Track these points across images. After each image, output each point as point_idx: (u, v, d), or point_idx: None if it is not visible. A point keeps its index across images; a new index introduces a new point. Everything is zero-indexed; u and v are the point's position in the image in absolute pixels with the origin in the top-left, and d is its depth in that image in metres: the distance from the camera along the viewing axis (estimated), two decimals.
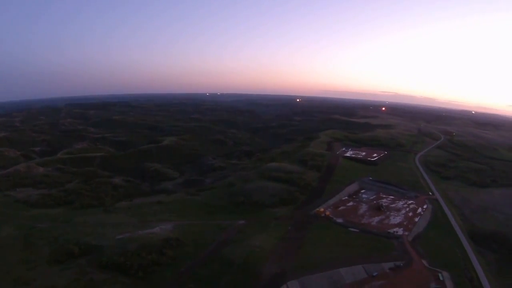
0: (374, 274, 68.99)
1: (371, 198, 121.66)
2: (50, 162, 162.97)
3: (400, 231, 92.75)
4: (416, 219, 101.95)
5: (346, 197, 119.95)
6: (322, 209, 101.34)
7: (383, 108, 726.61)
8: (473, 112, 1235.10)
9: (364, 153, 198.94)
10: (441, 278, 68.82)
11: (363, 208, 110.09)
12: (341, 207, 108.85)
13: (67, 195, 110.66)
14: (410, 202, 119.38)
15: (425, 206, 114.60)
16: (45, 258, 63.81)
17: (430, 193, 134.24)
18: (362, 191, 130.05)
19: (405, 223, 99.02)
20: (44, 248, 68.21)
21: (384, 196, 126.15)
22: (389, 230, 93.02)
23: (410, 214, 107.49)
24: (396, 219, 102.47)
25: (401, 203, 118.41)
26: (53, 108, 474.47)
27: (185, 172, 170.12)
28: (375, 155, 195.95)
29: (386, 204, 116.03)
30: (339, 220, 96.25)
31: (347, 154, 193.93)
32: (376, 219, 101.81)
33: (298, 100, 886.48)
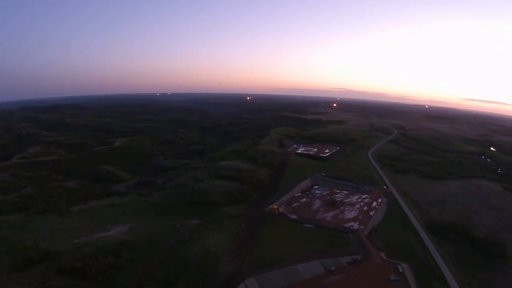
0: (332, 269, 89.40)
1: (325, 193, 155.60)
2: (5, 168, 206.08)
3: (355, 225, 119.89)
4: (372, 213, 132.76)
5: (299, 194, 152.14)
6: (275, 206, 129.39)
7: (334, 104, 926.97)
8: (426, 106, 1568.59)
9: (316, 149, 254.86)
10: (400, 270, 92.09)
11: (317, 203, 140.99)
12: (295, 204, 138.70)
13: (23, 201, 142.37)
14: (364, 196, 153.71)
15: (380, 200, 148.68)
16: (5, 266, 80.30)
17: (385, 187, 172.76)
18: (315, 187, 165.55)
19: (360, 217, 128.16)
20: (3, 256, 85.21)
21: (337, 191, 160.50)
22: (344, 225, 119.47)
23: (365, 208, 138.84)
24: (351, 213, 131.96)
25: (355, 197, 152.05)
26: (8, 112, 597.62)
27: (138, 173, 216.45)
28: (327, 151, 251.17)
29: (340, 199, 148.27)
30: (293, 217, 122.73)
31: (299, 151, 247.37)
32: (331, 214, 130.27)
33: (248, 98, 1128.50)
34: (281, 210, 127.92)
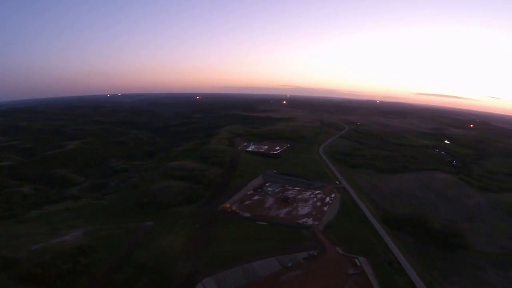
0: (289, 265, 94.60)
1: (277, 190, 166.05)
2: None
3: (309, 221, 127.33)
4: (325, 208, 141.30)
5: (251, 191, 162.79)
6: (228, 205, 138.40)
7: (284, 102, 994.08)
8: (378, 101, 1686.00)
9: (266, 147, 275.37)
10: (358, 264, 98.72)
11: (270, 201, 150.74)
12: (247, 202, 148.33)
13: None
14: (317, 192, 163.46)
15: (333, 195, 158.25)
16: None
17: (337, 182, 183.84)
18: (267, 184, 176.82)
19: (314, 213, 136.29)
20: None
21: (289, 188, 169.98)
22: (298, 221, 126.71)
23: (318, 203, 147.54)
24: (304, 209, 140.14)
25: (308, 193, 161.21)
26: None
27: (90, 176, 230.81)
28: (277, 148, 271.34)
29: (293, 195, 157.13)
30: (246, 215, 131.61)
31: (249, 149, 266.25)
32: (284, 211, 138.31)
33: (198, 97, 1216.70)
34: (233, 208, 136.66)
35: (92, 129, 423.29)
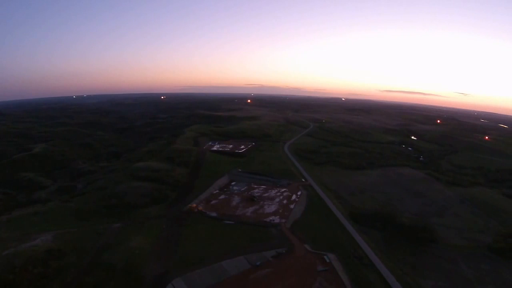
0: (258, 263, 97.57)
1: (243, 189, 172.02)
2: None
3: (276, 219, 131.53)
4: (292, 206, 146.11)
5: (217, 191, 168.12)
6: (194, 205, 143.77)
7: (249, 100, 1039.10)
8: (343, 99, 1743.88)
9: (231, 146, 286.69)
10: (327, 260, 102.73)
11: (236, 200, 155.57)
12: (213, 201, 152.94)
13: None
14: (283, 190, 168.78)
15: (299, 193, 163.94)
16: None
17: (303, 180, 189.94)
18: (233, 183, 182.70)
19: (280, 211, 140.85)
20: None
21: (255, 186, 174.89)
22: (265, 219, 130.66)
23: (285, 201, 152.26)
24: (270, 207, 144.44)
25: (274, 191, 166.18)
26: None
27: (58, 179, 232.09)
28: (242, 147, 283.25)
29: (259, 194, 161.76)
30: (213, 214, 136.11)
31: (214, 148, 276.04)
32: (250, 209, 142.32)
33: (162, 97, 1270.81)
34: (200, 208, 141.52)
35: (59, 131, 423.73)
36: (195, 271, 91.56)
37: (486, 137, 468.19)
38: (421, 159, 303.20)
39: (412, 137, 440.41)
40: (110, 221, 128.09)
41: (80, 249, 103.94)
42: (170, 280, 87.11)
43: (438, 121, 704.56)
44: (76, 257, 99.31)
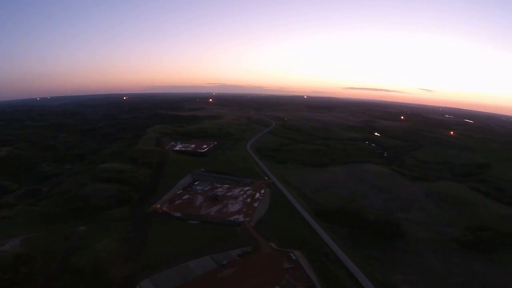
0: (224, 262, 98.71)
1: (206, 189, 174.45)
2: None
3: (241, 218, 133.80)
4: (256, 205, 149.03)
5: (181, 191, 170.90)
6: (158, 205, 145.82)
7: (211, 100, 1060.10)
8: (305, 96, 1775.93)
9: (193, 145, 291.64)
10: (293, 258, 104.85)
11: (199, 199, 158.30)
12: (177, 201, 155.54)
13: None
14: (246, 188, 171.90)
15: (262, 191, 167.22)
16: None
17: (266, 178, 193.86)
18: (196, 183, 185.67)
19: (244, 209, 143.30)
20: None
21: (218, 185, 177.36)
22: (229, 218, 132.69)
23: (248, 200, 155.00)
24: (234, 206, 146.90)
25: (237, 190, 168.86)
26: None
27: (23, 182, 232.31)
28: (204, 146, 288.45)
29: (222, 193, 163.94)
30: (177, 214, 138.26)
31: (177, 148, 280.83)
32: (214, 209, 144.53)
33: (124, 98, 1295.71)
34: (164, 209, 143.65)
35: (23, 133, 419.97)
36: (162, 272, 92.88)
37: (451, 132, 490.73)
38: (385, 155, 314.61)
39: (376, 134, 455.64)
40: (76, 224, 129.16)
41: (48, 253, 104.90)
42: (137, 282, 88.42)
43: (402, 117, 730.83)
44: (44, 261, 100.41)
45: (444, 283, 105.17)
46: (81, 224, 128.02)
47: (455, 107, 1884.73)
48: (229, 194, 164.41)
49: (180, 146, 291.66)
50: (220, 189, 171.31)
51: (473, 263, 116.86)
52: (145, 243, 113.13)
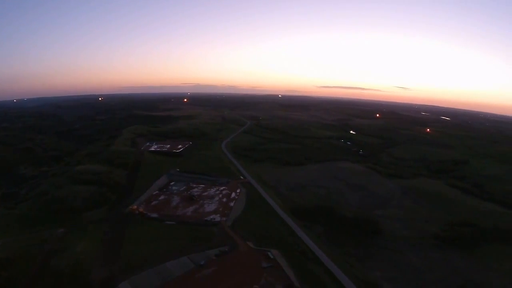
0: (202, 263, 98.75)
1: (182, 189, 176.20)
2: None
3: (217, 217, 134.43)
4: (231, 204, 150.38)
5: (157, 191, 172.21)
6: (135, 206, 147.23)
7: (185, 100, 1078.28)
8: (279, 95, 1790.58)
9: (168, 146, 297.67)
10: (271, 256, 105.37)
11: (176, 200, 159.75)
12: (154, 202, 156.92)
13: None
14: (222, 188, 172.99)
15: (238, 191, 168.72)
16: None
17: (242, 177, 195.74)
18: (172, 183, 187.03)
19: (220, 209, 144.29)
20: None
21: (194, 185, 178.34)
22: (206, 218, 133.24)
23: (224, 200, 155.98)
24: (210, 206, 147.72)
25: (213, 190, 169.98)
26: None
27: (0, 185, 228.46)
28: (180, 146, 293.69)
29: (198, 193, 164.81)
30: (154, 215, 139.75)
31: (152, 148, 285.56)
32: (191, 209, 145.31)
33: (100, 98, 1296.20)
34: (140, 209, 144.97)
35: (0, 136, 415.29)
36: (141, 273, 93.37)
37: (428, 130, 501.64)
38: (360, 152, 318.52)
39: (351, 132, 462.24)
40: (54, 226, 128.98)
41: (28, 256, 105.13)
42: (117, 284, 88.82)
43: (378, 115, 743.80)
44: (24, 265, 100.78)
45: (425, 279, 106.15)
46: (59, 227, 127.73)
47: (431, 104, 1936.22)
48: (205, 194, 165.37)
49: (155, 146, 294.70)
50: (196, 189, 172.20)
51: (454, 258, 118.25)
52: (123, 244, 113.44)
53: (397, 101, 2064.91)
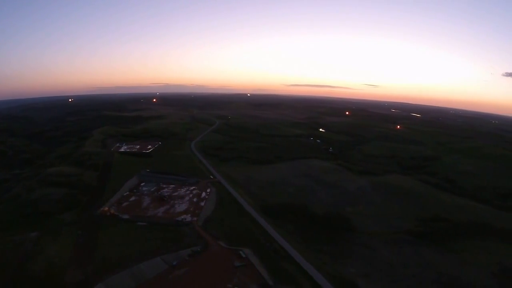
0: (174, 263, 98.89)
1: (152, 190, 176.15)
2: None
3: (188, 217, 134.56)
4: (202, 204, 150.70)
5: (128, 192, 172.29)
6: (106, 208, 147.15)
7: (154, 100, 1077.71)
8: (248, 94, 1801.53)
9: (138, 146, 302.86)
10: (243, 255, 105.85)
11: (146, 200, 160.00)
12: (125, 203, 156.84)
13: None
14: (192, 188, 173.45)
15: (208, 190, 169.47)
16: None
17: (212, 177, 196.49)
18: (142, 184, 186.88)
19: (191, 209, 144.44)
20: None
21: (164, 186, 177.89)
22: (177, 219, 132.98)
23: (195, 199, 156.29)
24: (181, 206, 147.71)
25: (183, 190, 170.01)
26: None
27: None
28: (149, 146, 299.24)
29: (168, 193, 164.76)
30: (126, 216, 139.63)
31: (122, 149, 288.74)
32: (162, 209, 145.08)
33: (70, 100, 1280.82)
34: (112, 211, 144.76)
35: None
36: (115, 275, 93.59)
37: (398, 126, 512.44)
38: (330, 150, 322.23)
39: (321, 130, 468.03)
40: (27, 230, 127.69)
41: (2, 261, 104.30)
42: (92, 287, 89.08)
43: (347, 112, 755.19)
44: None
45: (400, 274, 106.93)
46: (32, 230, 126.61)
47: (401, 101, 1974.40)
48: (175, 194, 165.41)
49: (125, 147, 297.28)
50: (166, 190, 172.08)
51: (428, 253, 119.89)
52: (96, 246, 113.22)
53: (367, 98, 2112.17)
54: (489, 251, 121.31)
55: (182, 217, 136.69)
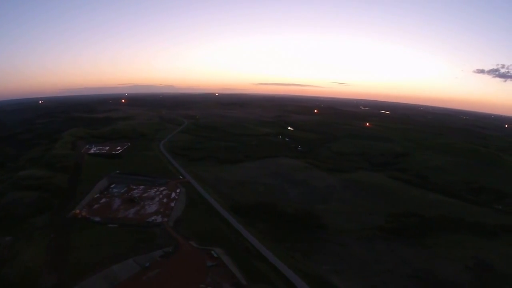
0: (147, 265, 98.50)
1: (122, 191, 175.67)
2: None
3: (158, 218, 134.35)
4: (172, 204, 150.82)
5: (98, 194, 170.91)
6: (78, 211, 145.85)
7: (123, 100, 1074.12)
8: (216, 94, 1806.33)
9: (107, 148, 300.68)
10: (215, 255, 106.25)
11: (117, 202, 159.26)
12: (95, 205, 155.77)
13: None
14: (162, 188, 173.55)
15: (178, 190, 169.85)
16: None
17: (181, 177, 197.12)
18: (112, 185, 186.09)
19: (161, 210, 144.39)
20: None
21: (134, 187, 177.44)
22: (147, 220, 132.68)
23: (165, 200, 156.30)
24: (151, 207, 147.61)
25: (153, 191, 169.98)
26: None
27: None
28: (118, 148, 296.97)
29: (138, 194, 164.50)
30: (97, 219, 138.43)
31: (92, 151, 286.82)
32: (132, 211, 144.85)
33: (40, 101, 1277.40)
34: (83, 214, 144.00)
35: None
36: (88, 278, 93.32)
37: (367, 124, 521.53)
38: (299, 148, 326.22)
39: (289, 128, 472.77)
40: (1, 234, 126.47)
41: None
42: None
43: (316, 110, 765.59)
44: None
45: (373, 270, 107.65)
46: (6, 235, 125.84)
47: (370, 99, 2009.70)
48: (145, 195, 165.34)
49: (95, 149, 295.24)
50: (136, 191, 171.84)
51: (401, 249, 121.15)
52: (69, 250, 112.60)
53: (336, 96, 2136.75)
54: (463, 246, 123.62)
55: (153, 218, 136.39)
